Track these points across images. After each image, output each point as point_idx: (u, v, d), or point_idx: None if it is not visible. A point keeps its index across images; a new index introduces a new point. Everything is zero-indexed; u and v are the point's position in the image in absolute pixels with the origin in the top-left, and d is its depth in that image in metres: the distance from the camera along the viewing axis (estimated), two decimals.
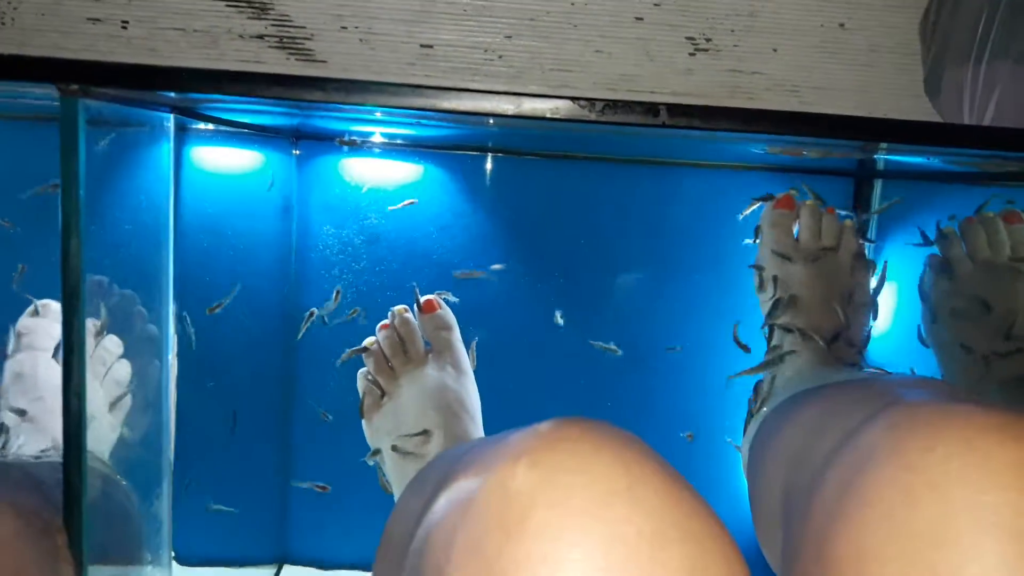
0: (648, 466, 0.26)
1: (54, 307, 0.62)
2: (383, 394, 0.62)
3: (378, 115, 0.62)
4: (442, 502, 0.28)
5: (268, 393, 0.70)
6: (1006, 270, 0.59)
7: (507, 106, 0.40)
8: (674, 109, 0.39)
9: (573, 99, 0.42)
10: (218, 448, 0.64)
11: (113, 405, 0.49)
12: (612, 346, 0.72)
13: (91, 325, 0.57)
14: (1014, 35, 0.66)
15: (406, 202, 0.71)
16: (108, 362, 0.50)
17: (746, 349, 0.66)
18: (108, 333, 0.48)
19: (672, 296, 0.75)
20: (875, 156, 0.62)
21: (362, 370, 0.64)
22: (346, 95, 0.49)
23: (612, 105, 0.40)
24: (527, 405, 0.72)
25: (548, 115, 0.39)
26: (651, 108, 0.40)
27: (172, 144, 0.46)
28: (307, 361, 0.72)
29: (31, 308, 0.61)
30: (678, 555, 0.24)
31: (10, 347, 0.61)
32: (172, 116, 0.45)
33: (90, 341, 0.53)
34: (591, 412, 0.75)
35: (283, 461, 0.73)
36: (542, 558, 0.24)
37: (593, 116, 0.39)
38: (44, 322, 0.60)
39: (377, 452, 0.61)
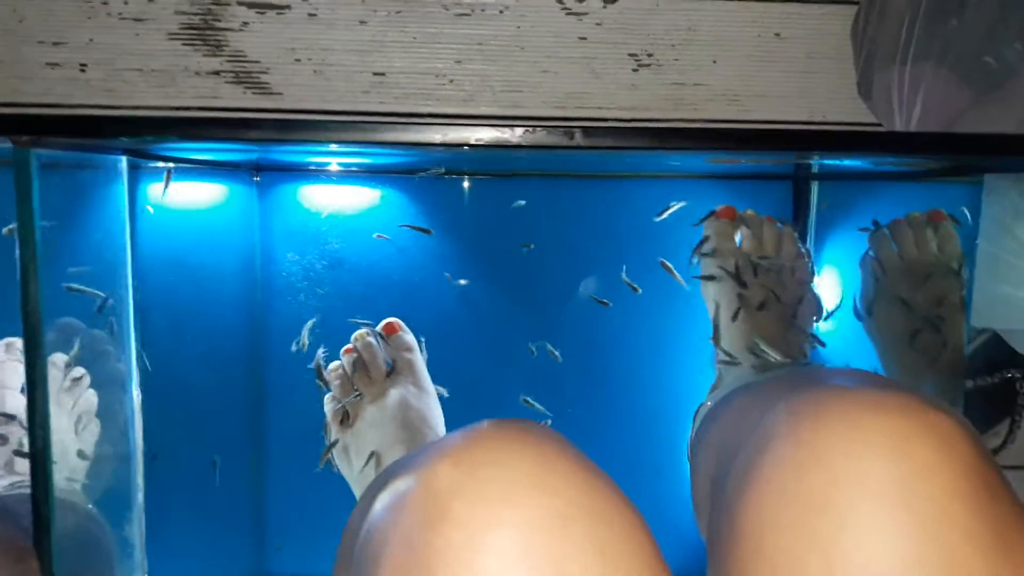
0: (559, 456, 0.28)
1: (19, 344, 0.63)
2: (348, 415, 0.63)
3: (333, 147, 0.64)
4: (380, 503, 0.30)
5: (239, 415, 0.72)
6: (932, 267, 0.62)
7: (435, 136, 0.42)
8: (590, 132, 0.41)
9: (494, 125, 0.44)
10: (190, 475, 0.65)
11: (81, 435, 0.50)
12: (551, 349, 0.74)
13: (59, 359, 0.59)
14: (933, 37, 0.69)
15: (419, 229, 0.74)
16: (77, 393, 0.51)
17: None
18: (76, 365, 0.50)
19: (627, 304, 0.78)
20: (810, 160, 0.65)
21: (328, 394, 0.66)
22: (300, 133, 0.51)
23: (531, 129, 0.42)
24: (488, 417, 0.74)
25: (473, 142, 0.41)
26: (567, 131, 0.42)
27: (126, 184, 0.47)
28: (277, 383, 0.74)
29: None
30: (585, 532, 0.26)
31: None
32: (124, 158, 0.47)
33: (58, 374, 0.55)
34: (553, 422, 0.77)
35: (257, 484, 0.74)
36: (462, 545, 0.26)
37: (515, 140, 0.41)
38: (9, 359, 0.61)
39: (333, 445, 0.63)
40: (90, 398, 0.52)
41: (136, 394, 0.52)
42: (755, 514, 0.30)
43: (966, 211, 0.61)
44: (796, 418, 0.31)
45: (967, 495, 0.27)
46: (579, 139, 0.40)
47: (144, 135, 0.41)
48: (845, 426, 0.29)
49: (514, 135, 0.41)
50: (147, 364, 0.52)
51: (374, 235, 0.76)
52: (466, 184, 0.77)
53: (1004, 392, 0.88)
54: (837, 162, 0.62)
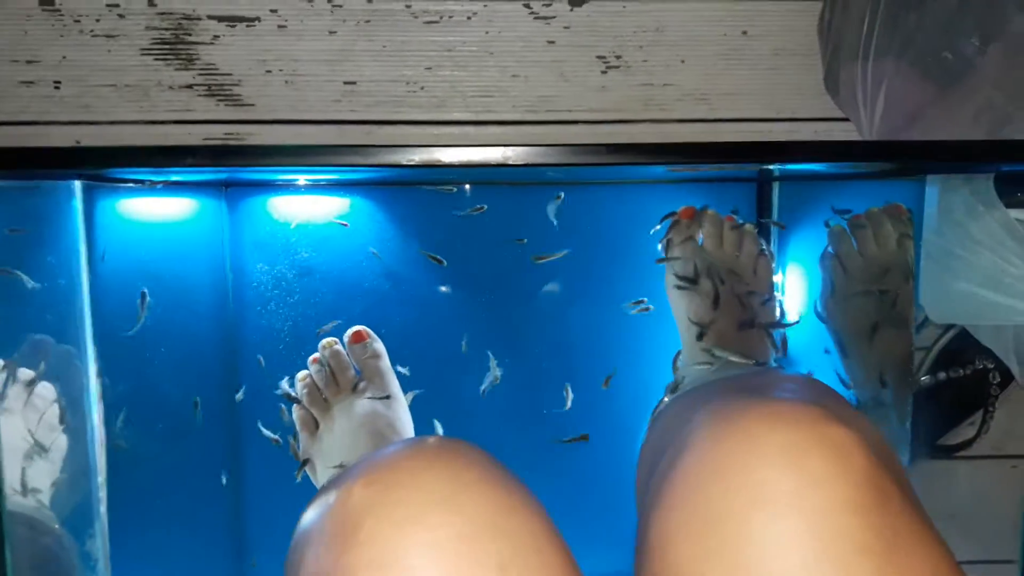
0: (475, 475, 0.29)
1: None
2: (318, 425, 0.64)
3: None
4: (304, 519, 0.31)
5: (213, 427, 0.73)
6: (891, 262, 0.63)
7: (359, 159, 0.42)
8: (520, 153, 0.42)
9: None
10: (163, 489, 0.66)
11: (47, 450, 0.51)
12: (493, 365, 0.74)
13: (25, 375, 0.60)
14: (893, 32, 0.70)
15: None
16: (42, 408, 0.53)
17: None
18: (41, 380, 0.51)
19: (596, 308, 0.78)
20: (772, 167, 0.66)
21: (298, 412, 0.67)
22: (266, 158, 0.51)
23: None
24: (459, 426, 0.74)
25: (404, 163, 0.42)
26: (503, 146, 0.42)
27: (80, 204, 0.48)
28: (250, 393, 0.75)
29: None
30: (489, 551, 0.27)
31: None
32: (79, 183, 0.48)
33: (23, 390, 0.56)
34: (520, 430, 0.78)
35: (233, 498, 0.75)
36: (369, 563, 0.27)
37: (446, 160, 0.42)
38: None
39: (306, 462, 0.64)
40: (55, 413, 0.53)
41: (98, 408, 0.53)
42: (663, 524, 0.31)
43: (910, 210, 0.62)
44: (703, 430, 0.31)
45: (859, 506, 0.27)
46: (513, 158, 0.41)
47: (92, 165, 0.42)
48: (743, 438, 0.29)
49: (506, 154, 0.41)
50: (107, 380, 0.53)
51: (371, 250, 0.76)
52: (431, 193, 0.78)
53: (977, 383, 0.88)
54: (803, 166, 0.63)
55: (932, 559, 0.27)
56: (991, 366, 0.87)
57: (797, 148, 0.48)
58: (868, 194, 0.66)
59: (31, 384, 0.63)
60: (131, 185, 0.58)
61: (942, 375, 0.87)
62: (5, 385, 0.64)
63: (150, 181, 0.55)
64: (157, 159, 0.40)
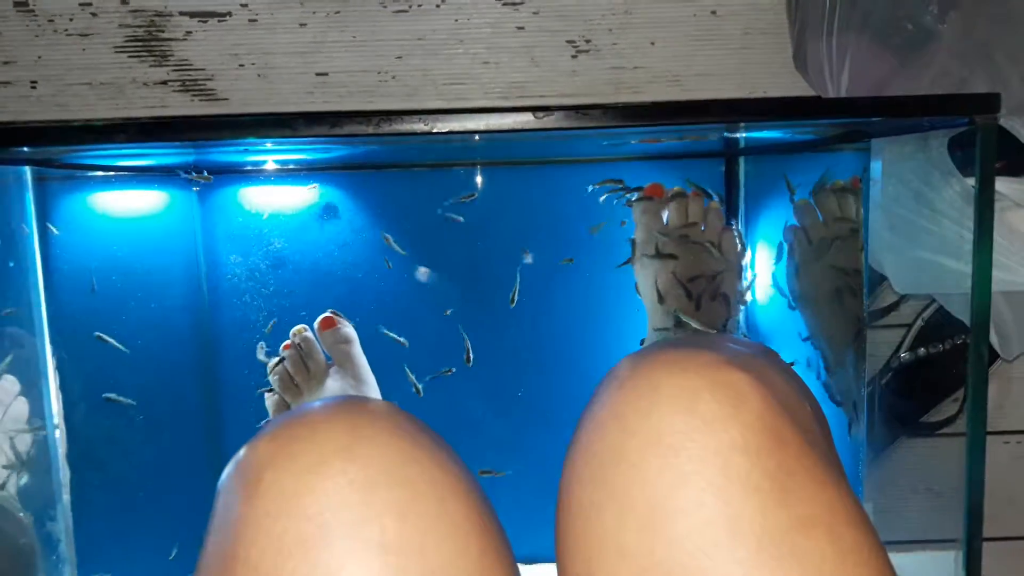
0: (377, 428, 0.30)
1: None
2: (290, 409, 0.65)
3: (268, 145, 0.66)
4: (224, 472, 0.32)
5: (190, 416, 0.74)
6: (852, 230, 0.63)
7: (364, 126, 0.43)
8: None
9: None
10: (134, 479, 0.67)
11: (13, 440, 0.52)
12: (401, 339, 0.74)
13: None
14: (854, 6, 0.69)
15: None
16: (6, 401, 0.54)
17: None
18: (5, 374, 0.52)
19: (566, 286, 0.79)
20: (736, 135, 0.66)
21: (268, 388, 0.68)
22: (221, 131, 0.52)
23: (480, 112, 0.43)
24: (430, 408, 0.75)
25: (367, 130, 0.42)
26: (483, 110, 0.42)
27: (31, 193, 0.49)
28: (228, 382, 0.76)
29: None
30: (387, 498, 0.28)
31: None
32: (28, 169, 0.49)
33: None
34: (492, 410, 0.78)
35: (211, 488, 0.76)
36: (267, 513, 0.28)
37: (424, 127, 0.42)
38: None
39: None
40: (20, 406, 0.54)
41: (56, 397, 0.53)
42: (568, 468, 0.31)
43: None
44: (615, 379, 0.32)
45: (750, 448, 0.28)
46: (530, 120, 0.41)
47: (46, 144, 0.43)
48: (644, 383, 0.30)
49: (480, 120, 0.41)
50: (66, 373, 0.53)
51: (383, 234, 0.76)
52: (400, 175, 0.78)
53: (959, 358, 0.88)
54: (761, 134, 0.63)
55: (828, 505, 0.28)
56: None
57: (741, 106, 0.48)
58: (831, 167, 0.66)
59: None
60: (97, 175, 0.59)
61: (922, 351, 0.87)
62: None
63: (101, 167, 0.56)
64: (90, 136, 0.41)
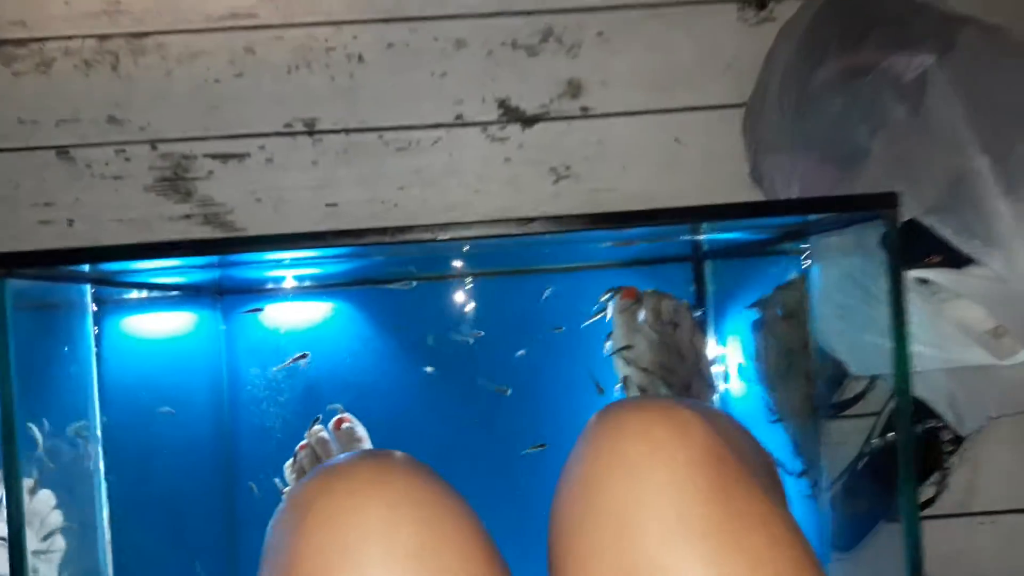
0: (397, 464, 0.37)
1: None
2: None
3: (286, 260, 0.74)
4: (273, 517, 0.38)
5: (212, 516, 0.78)
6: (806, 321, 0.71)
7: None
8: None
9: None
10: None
11: (48, 552, 0.57)
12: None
13: (27, 484, 0.66)
14: (800, 130, 0.80)
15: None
16: (43, 512, 0.58)
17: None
18: (42, 488, 0.56)
19: (556, 383, 0.85)
20: (700, 239, 0.75)
21: (287, 488, 0.73)
22: (249, 247, 0.59)
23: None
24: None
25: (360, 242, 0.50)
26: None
27: (91, 315, 0.56)
28: (246, 484, 0.81)
29: None
30: (410, 514, 0.34)
31: None
32: (89, 288, 0.56)
33: (26, 497, 0.62)
34: (501, 502, 0.82)
35: None
36: (317, 529, 0.34)
37: (386, 239, 0.50)
38: None
39: None
40: (55, 517, 0.59)
41: (105, 511, 0.58)
42: (556, 496, 0.38)
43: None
44: (589, 424, 0.39)
45: (696, 463, 0.34)
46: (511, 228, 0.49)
47: (103, 260, 0.50)
48: (614, 423, 0.37)
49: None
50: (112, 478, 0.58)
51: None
52: (407, 288, 0.86)
53: (931, 443, 0.94)
54: (721, 236, 0.72)
55: (763, 514, 0.34)
56: (941, 425, 0.93)
57: (688, 212, 0.56)
58: (788, 267, 0.75)
59: (32, 492, 0.69)
60: (136, 298, 0.66)
61: (890, 435, 0.93)
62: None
63: (148, 285, 0.63)
64: (146, 252, 0.48)
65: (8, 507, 0.53)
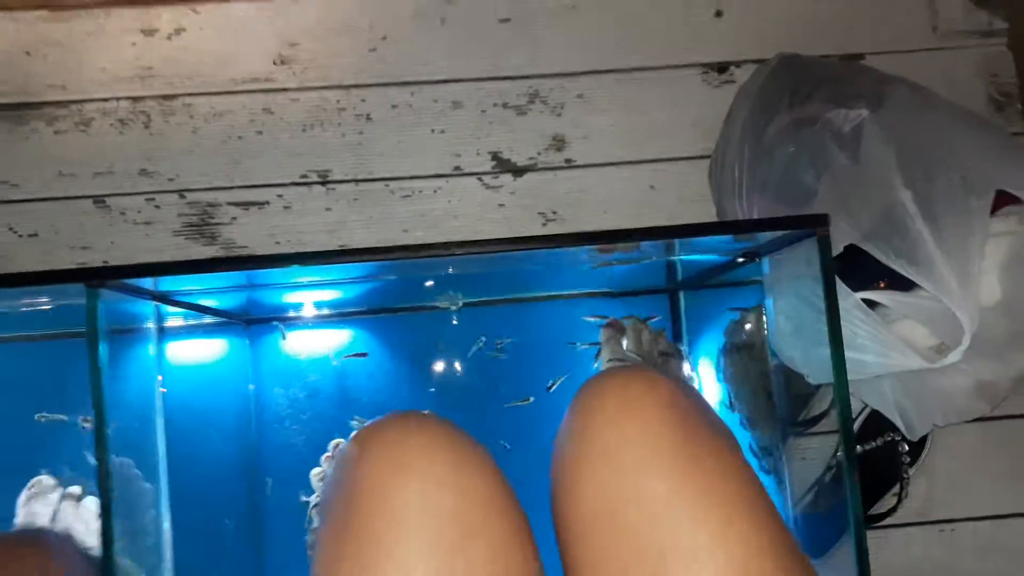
0: (437, 423, 0.45)
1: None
2: None
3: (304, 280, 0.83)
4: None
5: (241, 525, 0.85)
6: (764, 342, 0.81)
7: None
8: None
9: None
10: None
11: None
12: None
13: (75, 491, 0.74)
14: (755, 177, 0.92)
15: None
16: (89, 520, 0.66)
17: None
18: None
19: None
20: (674, 262, 0.85)
21: (313, 497, 0.80)
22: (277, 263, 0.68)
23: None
24: None
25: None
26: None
27: (156, 339, 0.65)
28: (272, 495, 0.88)
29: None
30: (447, 458, 0.42)
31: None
32: (154, 306, 0.64)
33: (74, 504, 0.71)
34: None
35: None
36: (369, 471, 0.42)
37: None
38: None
39: None
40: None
41: (167, 526, 0.65)
42: (560, 438, 0.47)
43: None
44: (581, 389, 0.48)
45: (665, 410, 0.43)
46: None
47: (165, 274, 0.59)
48: (596, 386, 0.46)
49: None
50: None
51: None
52: (415, 317, 0.96)
53: (890, 455, 1.03)
54: (688, 257, 0.82)
55: (719, 447, 0.43)
56: (898, 438, 1.02)
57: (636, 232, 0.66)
58: (751, 295, 0.85)
59: (79, 499, 0.77)
60: (175, 326, 0.75)
61: (859, 449, 1.02)
62: (60, 501, 0.78)
63: (199, 308, 0.72)
64: (185, 268, 0.57)
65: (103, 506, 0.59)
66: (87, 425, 0.78)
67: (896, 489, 1.03)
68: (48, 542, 0.54)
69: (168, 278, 0.62)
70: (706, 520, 0.39)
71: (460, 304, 0.93)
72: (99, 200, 1.01)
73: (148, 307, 0.65)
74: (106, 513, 0.56)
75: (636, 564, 0.40)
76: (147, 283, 0.62)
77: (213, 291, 0.74)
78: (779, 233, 0.66)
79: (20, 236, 1.00)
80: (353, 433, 0.47)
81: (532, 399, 0.92)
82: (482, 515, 0.42)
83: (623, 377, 0.46)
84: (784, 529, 0.42)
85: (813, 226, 0.61)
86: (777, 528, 0.41)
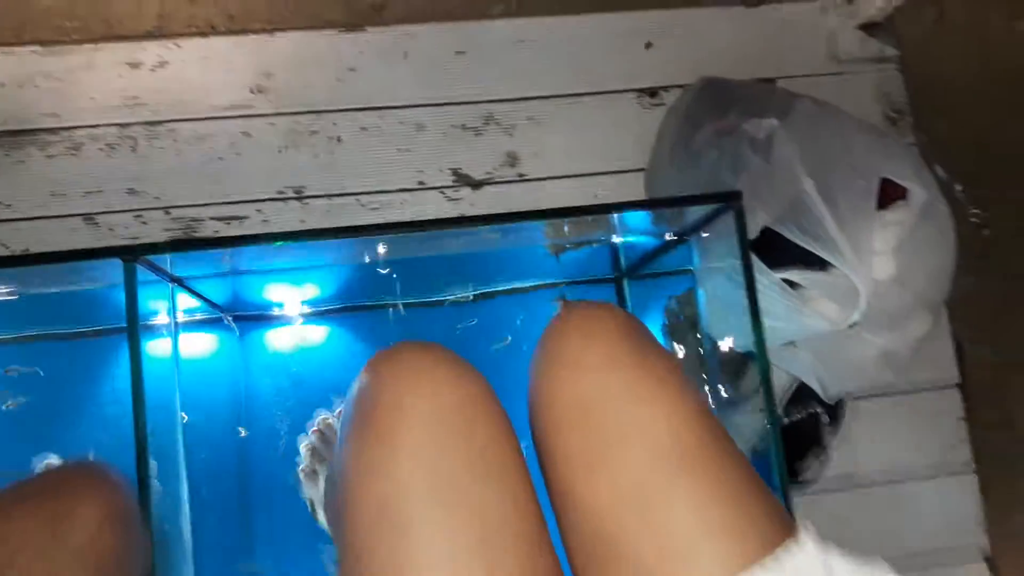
0: (439, 356, 0.53)
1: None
2: (318, 474, 0.85)
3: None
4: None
5: (232, 501, 0.92)
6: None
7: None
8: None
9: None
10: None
11: None
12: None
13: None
14: (686, 176, 1.05)
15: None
16: None
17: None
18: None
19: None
20: (619, 261, 0.97)
21: (302, 466, 0.88)
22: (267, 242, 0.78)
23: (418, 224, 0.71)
24: None
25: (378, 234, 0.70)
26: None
27: (175, 324, 0.73)
28: (261, 473, 0.96)
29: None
30: (448, 371, 0.51)
31: None
32: (171, 288, 0.73)
33: None
34: None
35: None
36: (385, 388, 0.50)
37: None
38: None
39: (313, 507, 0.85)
40: None
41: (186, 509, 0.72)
42: (533, 366, 0.56)
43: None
44: (551, 322, 0.57)
45: (623, 326, 0.53)
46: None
47: (183, 250, 0.68)
48: (564, 314, 0.55)
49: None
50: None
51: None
52: (392, 313, 1.05)
53: (814, 425, 1.16)
54: (626, 239, 0.94)
55: (668, 357, 0.53)
56: (820, 410, 1.15)
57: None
58: (687, 285, 0.98)
59: None
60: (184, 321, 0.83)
61: (786, 420, 1.14)
62: None
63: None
64: (187, 246, 0.66)
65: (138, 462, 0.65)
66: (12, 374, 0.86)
67: (821, 456, 1.15)
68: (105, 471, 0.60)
69: (182, 263, 0.71)
70: (654, 402, 0.49)
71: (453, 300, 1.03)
72: (88, 218, 1.09)
73: (164, 290, 0.73)
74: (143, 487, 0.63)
75: (601, 446, 0.49)
76: (165, 264, 0.71)
77: (219, 275, 0.83)
78: (701, 214, 0.78)
79: (13, 252, 1.06)
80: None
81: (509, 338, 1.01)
82: (483, 409, 0.50)
83: (585, 304, 0.56)
84: (713, 416, 0.52)
85: (727, 200, 0.73)
86: (708, 411, 0.52)
